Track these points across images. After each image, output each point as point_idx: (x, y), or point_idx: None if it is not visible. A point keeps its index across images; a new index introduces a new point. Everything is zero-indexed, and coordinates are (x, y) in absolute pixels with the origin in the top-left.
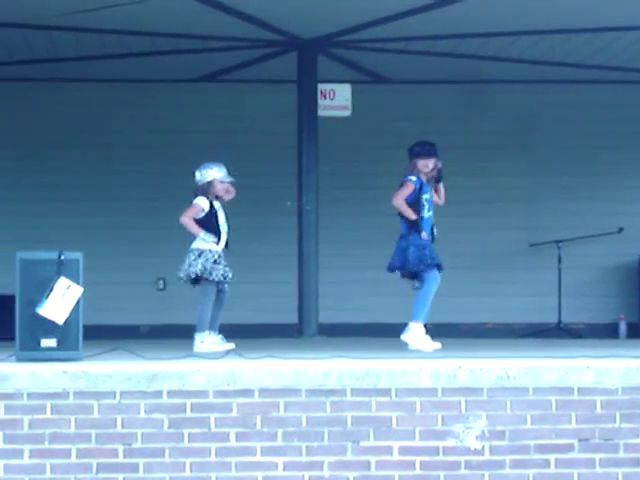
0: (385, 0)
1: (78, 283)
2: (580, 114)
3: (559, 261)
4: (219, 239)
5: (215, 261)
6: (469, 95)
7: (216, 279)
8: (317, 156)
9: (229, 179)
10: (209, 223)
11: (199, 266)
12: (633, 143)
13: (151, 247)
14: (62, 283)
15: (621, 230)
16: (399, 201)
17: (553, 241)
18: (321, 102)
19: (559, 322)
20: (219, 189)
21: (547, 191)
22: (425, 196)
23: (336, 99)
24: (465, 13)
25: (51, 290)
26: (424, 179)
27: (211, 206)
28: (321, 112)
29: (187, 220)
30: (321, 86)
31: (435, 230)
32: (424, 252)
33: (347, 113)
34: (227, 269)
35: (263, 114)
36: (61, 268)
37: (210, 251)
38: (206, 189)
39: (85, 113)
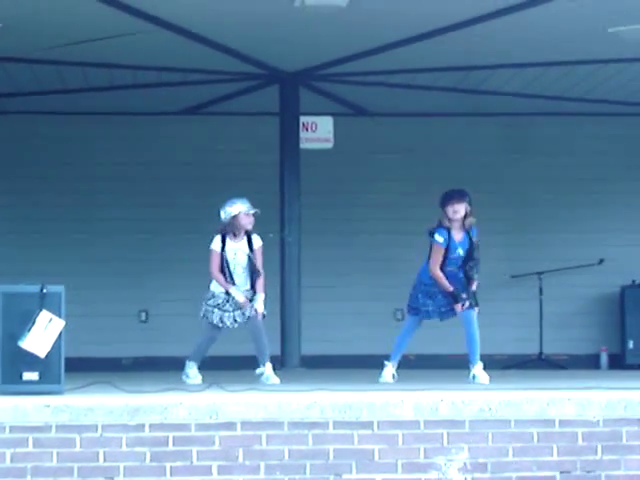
0: (366, 34)
1: (60, 316)
2: (561, 146)
3: (540, 292)
4: (230, 281)
5: (218, 305)
6: (450, 127)
7: (213, 322)
8: (299, 188)
9: (253, 211)
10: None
11: (202, 307)
12: (614, 175)
13: (133, 279)
14: (44, 316)
15: (602, 261)
16: (434, 272)
17: (534, 272)
18: (303, 134)
19: (541, 353)
20: (245, 222)
21: (528, 223)
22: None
23: (318, 131)
24: (444, 47)
25: (33, 323)
26: (455, 230)
27: (222, 246)
28: (303, 144)
29: (216, 274)
30: (303, 118)
31: (471, 273)
32: (411, 294)
33: (329, 145)
34: (231, 314)
35: (245, 146)
36: (43, 301)
37: (215, 295)
38: (233, 225)
39: (67, 145)
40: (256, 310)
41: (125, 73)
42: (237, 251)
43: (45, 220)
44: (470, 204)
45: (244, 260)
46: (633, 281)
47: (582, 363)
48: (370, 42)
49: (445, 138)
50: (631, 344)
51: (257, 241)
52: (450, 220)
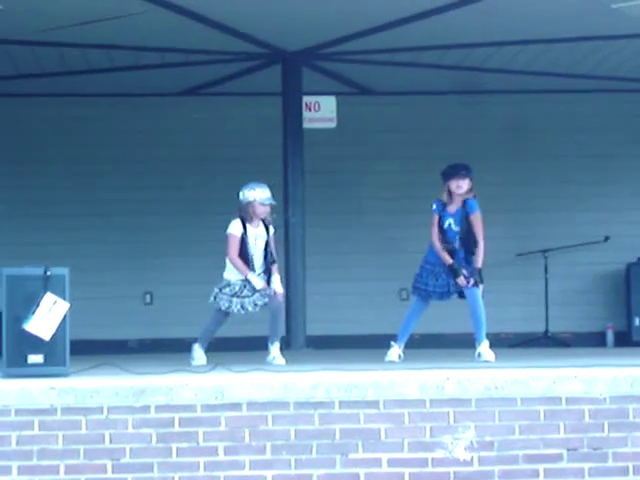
0: (369, 12)
1: (64, 299)
2: (566, 123)
3: (546, 270)
4: (249, 266)
5: (235, 294)
6: (454, 106)
7: (227, 309)
8: (302, 168)
9: (270, 201)
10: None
11: (215, 293)
12: (619, 152)
13: (138, 261)
14: (48, 299)
15: (607, 239)
16: (434, 244)
17: (540, 250)
18: (306, 114)
19: (546, 331)
20: (260, 211)
21: (534, 200)
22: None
23: (321, 111)
24: (448, 24)
25: (37, 306)
26: (449, 203)
27: (244, 231)
28: (306, 124)
29: (235, 259)
30: (306, 98)
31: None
32: (416, 274)
33: (332, 125)
34: (251, 299)
35: (248, 127)
36: (47, 284)
37: (231, 283)
38: (246, 210)
39: (69, 127)
40: (275, 292)
41: (126, 54)
42: (257, 237)
43: (47, 203)
44: (472, 180)
45: (262, 246)
46: (638, 258)
47: (588, 341)
48: (373, 20)
49: (449, 116)
50: (637, 321)
51: (271, 228)
52: (451, 194)
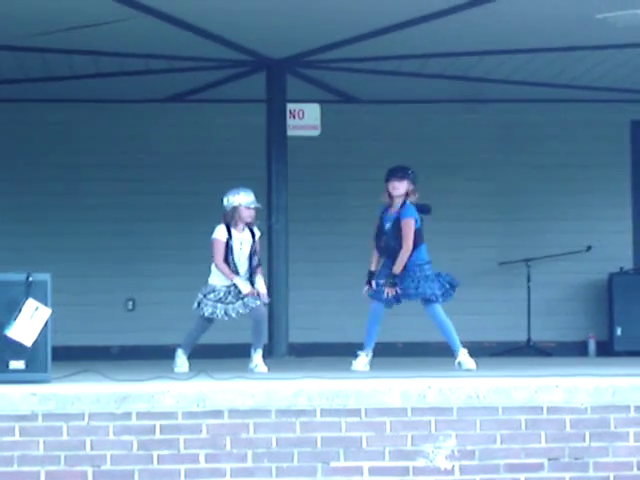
0: (352, 21)
1: (46, 304)
2: (549, 133)
3: (528, 279)
4: (233, 271)
5: (220, 299)
6: (438, 114)
7: (211, 315)
8: (286, 176)
9: (255, 205)
10: (225, 255)
11: (199, 299)
12: (601, 161)
13: (120, 268)
14: (30, 305)
15: (590, 248)
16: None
17: (522, 260)
18: (290, 122)
19: (528, 340)
20: (245, 215)
21: (517, 210)
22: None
23: (305, 119)
24: (432, 33)
25: (19, 312)
26: (390, 205)
27: (229, 236)
28: (290, 132)
29: (221, 264)
30: (290, 106)
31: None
32: None
33: (316, 133)
34: (235, 306)
35: (232, 134)
36: (29, 290)
37: (216, 289)
38: (231, 215)
39: (52, 133)
40: (259, 293)
41: (111, 60)
42: (243, 241)
43: (30, 208)
44: (414, 182)
45: (248, 251)
46: (621, 268)
47: (570, 350)
48: (357, 29)
49: (433, 125)
50: (619, 331)
51: (257, 232)
52: (390, 196)
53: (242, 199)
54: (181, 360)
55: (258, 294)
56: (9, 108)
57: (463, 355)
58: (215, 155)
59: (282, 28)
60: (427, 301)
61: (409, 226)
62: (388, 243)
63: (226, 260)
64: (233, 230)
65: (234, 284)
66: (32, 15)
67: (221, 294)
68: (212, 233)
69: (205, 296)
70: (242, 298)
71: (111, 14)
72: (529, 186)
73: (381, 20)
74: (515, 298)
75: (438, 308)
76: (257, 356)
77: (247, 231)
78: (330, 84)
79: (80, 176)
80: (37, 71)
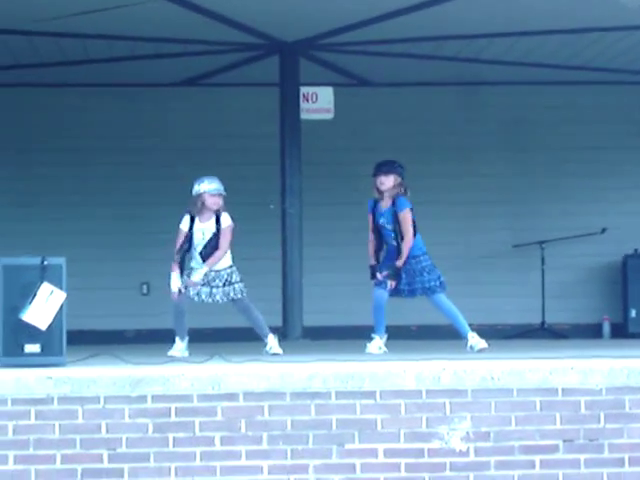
0: (366, 3)
1: (61, 288)
2: (563, 115)
3: (543, 262)
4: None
5: (205, 282)
6: (451, 97)
7: (191, 294)
8: (300, 159)
9: (218, 192)
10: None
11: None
12: (617, 144)
13: (135, 252)
14: (45, 288)
15: (604, 230)
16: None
17: (537, 242)
18: (303, 105)
19: (543, 323)
20: (210, 203)
21: (531, 192)
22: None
23: (318, 102)
24: (445, 15)
25: (34, 296)
26: (381, 200)
27: (191, 226)
28: (304, 115)
29: (175, 252)
30: (303, 89)
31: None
32: None
33: (330, 116)
34: (203, 290)
35: (245, 117)
36: (44, 273)
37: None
38: (195, 203)
39: (65, 117)
40: (187, 283)
41: (124, 44)
42: (205, 231)
43: (44, 193)
44: (401, 176)
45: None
46: (635, 250)
47: (584, 332)
48: (371, 11)
49: (446, 107)
50: (633, 313)
51: (225, 220)
52: (379, 191)
53: (205, 186)
54: (176, 345)
55: (186, 285)
56: (22, 92)
57: (472, 338)
58: (228, 139)
59: (295, 11)
60: (428, 292)
61: (407, 219)
62: (386, 237)
63: (188, 249)
64: (197, 219)
65: (224, 269)
66: None
67: (209, 277)
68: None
69: (189, 276)
70: (224, 285)
71: None
72: (542, 168)
73: (394, 2)
74: (529, 280)
75: (441, 297)
76: (270, 339)
77: (212, 220)
78: (343, 67)
79: (95, 160)
80: (51, 56)
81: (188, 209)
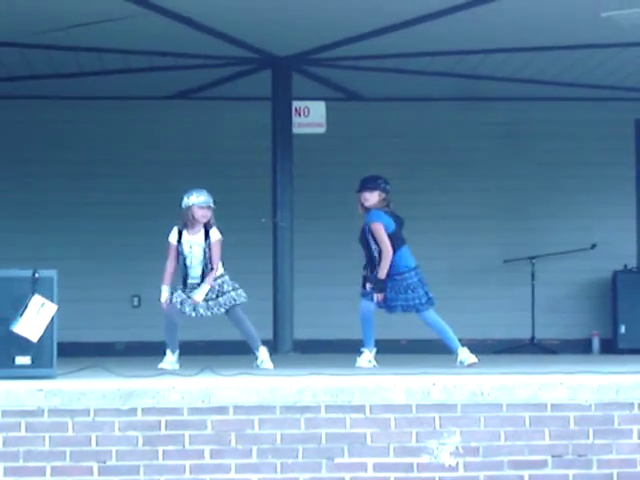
0: (358, 19)
1: (52, 301)
2: (554, 131)
3: (532, 277)
4: (187, 273)
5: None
6: (444, 112)
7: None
8: (291, 173)
9: (207, 204)
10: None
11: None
12: (605, 159)
13: (126, 264)
14: (36, 301)
15: (594, 246)
16: None
17: (527, 257)
18: (295, 119)
19: (533, 338)
20: (198, 215)
21: (522, 207)
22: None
23: (310, 116)
24: (437, 32)
25: (25, 308)
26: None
27: (179, 240)
28: (296, 129)
29: (167, 266)
30: (295, 103)
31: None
32: None
33: (322, 130)
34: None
35: (238, 131)
36: (35, 286)
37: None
38: (185, 215)
39: (59, 130)
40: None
41: (116, 57)
42: (193, 244)
43: (36, 205)
44: (385, 191)
45: (200, 253)
46: (625, 266)
47: (574, 348)
48: (363, 26)
49: (438, 123)
50: (623, 329)
51: (215, 234)
52: (362, 206)
53: (194, 199)
54: (167, 357)
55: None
56: (14, 105)
57: (463, 353)
58: (220, 152)
59: (288, 26)
60: (412, 310)
61: (377, 229)
62: (365, 251)
63: (179, 262)
64: (185, 232)
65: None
66: (38, 12)
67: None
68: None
69: (183, 292)
70: (217, 297)
71: (117, 12)
72: (533, 184)
73: (386, 18)
74: (519, 295)
75: (428, 313)
76: (262, 352)
77: (201, 233)
78: (335, 82)
79: (85, 173)
80: (42, 68)
81: (181, 223)
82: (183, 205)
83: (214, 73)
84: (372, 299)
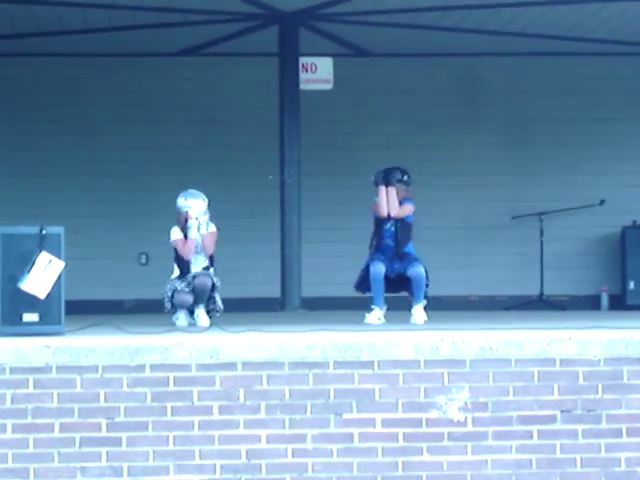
0: None
1: (60, 258)
2: (564, 86)
3: (541, 233)
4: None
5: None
6: (451, 68)
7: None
8: (299, 130)
9: (196, 216)
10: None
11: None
12: (617, 115)
13: (133, 222)
14: (44, 257)
15: (603, 202)
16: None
17: (535, 213)
18: (303, 75)
19: (541, 294)
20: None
21: (530, 163)
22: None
23: (318, 72)
24: None
25: (33, 265)
26: None
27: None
28: (303, 85)
29: (188, 257)
30: (303, 59)
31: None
32: None
33: (329, 86)
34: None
35: (244, 88)
36: (42, 243)
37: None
38: (179, 219)
39: (67, 87)
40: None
41: (124, 14)
42: (197, 225)
43: (44, 162)
44: (403, 182)
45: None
46: (634, 222)
47: (583, 304)
48: None
49: (445, 78)
50: (632, 285)
51: (211, 227)
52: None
53: (186, 206)
54: (179, 315)
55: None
56: (22, 62)
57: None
58: (227, 109)
59: None
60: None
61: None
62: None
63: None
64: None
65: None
66: None
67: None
68: (226, 186)
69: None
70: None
71: None
72: (542, 140)
73: None
74: (528, 252)
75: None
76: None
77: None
78: (343, 37)
79: (91, 130)
80: (50, 25)
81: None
82: (177, 204)
83: (221, 29)
84: (382, 261)
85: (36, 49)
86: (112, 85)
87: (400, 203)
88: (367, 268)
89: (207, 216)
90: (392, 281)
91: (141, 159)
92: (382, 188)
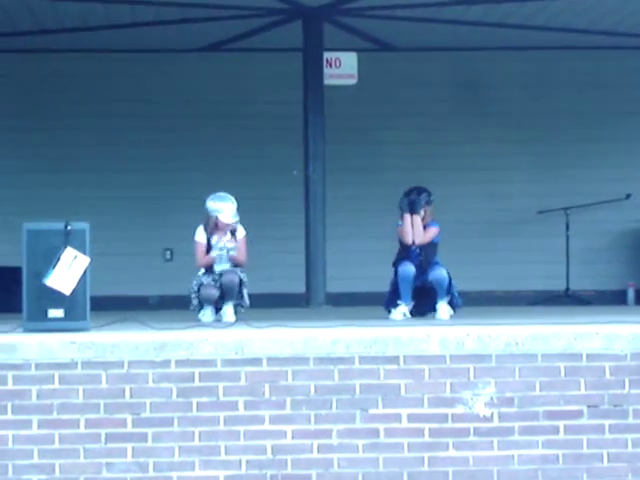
0: None
1: (85, 253)
2: (588, 80)
3: (567, 228)
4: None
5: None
6: (476, 62)
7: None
8: (323, 125)
9: (231, 221)
10: None
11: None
12: None
13: (158, 218)
14: (69, 253)
15: (629, 196)
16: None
17: (561, 208)
18: (327, 70)
19: (567, 289)
20: (222, 225)
21: (556, 158)
22: None
23: (342, 67)
24: None
25: (58, 261)
26: None
27: (208, 240)
28: (327, 81)
29: (203, 264)
30: (327, 54)
31: None
32: None
33: (353, 81)
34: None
35: (269, 83)
36: (68, 238)
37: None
38: (208, 222)
39: (91, 84)
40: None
41: (148, 10)
42: (223, 247)
43: (68, 159)
44: (428, 203)
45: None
46: None
47: (609, 299)
48: None
49: (471, 73)
50: None
51: (240, 231)
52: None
53: (218, 210)
54: (204, 311)
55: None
56: (46, 58)
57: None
58: (251, 105)
59: None
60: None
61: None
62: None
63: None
64: (213, 236)
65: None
66: None
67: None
68: (247, 185)
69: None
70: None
71: None
72: (567, 134)
73: None
74: (554, 247)
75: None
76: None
77: (228, 234)
78: (367, 32)
79: (116, 126)
80: (74, 21)
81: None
82: (207, 207)
83: (245, 24)
84: (413, 264)
85: (58, 45)
86: (134, 80)
87: (425, 227)
88: (394, 284)
89: (238, 218)
90: (417, 289)
91: (166, 155)
92: (407, 217)
